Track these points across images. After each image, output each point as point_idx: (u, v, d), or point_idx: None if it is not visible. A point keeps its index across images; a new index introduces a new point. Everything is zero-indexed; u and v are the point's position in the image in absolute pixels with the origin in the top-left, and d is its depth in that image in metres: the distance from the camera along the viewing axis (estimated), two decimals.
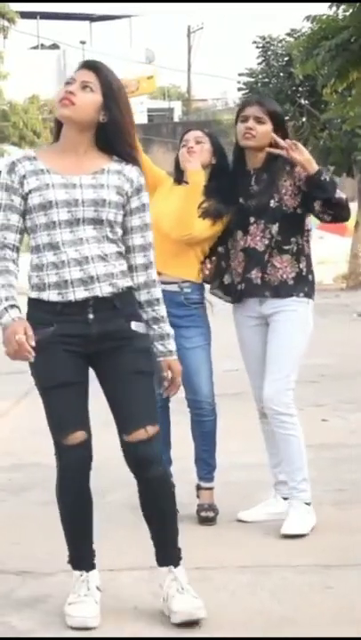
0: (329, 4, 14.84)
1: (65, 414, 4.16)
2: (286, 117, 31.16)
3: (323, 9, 15.70)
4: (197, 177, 5.37)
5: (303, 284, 5.16)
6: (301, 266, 5.15)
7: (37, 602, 4.45)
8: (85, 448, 4.18)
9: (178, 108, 46.28)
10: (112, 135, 4.16)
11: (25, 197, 4.11)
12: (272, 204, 5.06)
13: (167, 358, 4.24)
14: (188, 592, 4.14)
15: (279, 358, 5.10)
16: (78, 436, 4.15)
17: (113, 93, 4.12)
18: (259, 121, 5.06)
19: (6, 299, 4.07)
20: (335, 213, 5.08)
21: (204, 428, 5.49)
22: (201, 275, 5.45)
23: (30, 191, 4.10)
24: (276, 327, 5.16)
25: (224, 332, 5.72)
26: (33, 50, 35.58)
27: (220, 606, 4.28)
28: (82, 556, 4.27)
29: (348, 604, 4.32)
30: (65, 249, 4.07)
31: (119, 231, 4.17)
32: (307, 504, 5.14)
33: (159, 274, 4.39)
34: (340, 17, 15.26)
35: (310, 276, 5.23)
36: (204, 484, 5.54)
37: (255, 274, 5.12)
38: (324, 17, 15.77)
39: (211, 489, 5.55)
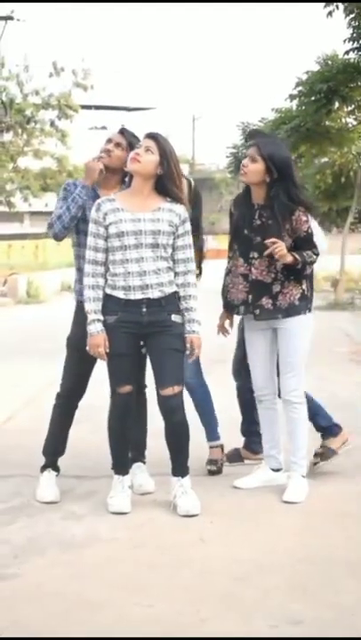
0: (287, 99, 14.80)
1: (120, 373, 4.24)
2: None
3: (281, 103, 15.78)
4: None
5: (306, 302, 4.46)
6: (304, 287, 4.45)
7: (89, 496, 4.52)
8: (130, 395, 4.27)
9: (185, 169, 46.28)
10: (166, 183, 4.17)
11: (107, 227, 4.14)
12: None
13: (190, 335, 4.23)
14: (189, 494, 4.23)
15: (292, 361, 4.45)
16: (127, 388, 4.24)
17: (166, 155, 4.14)
18: (253, 160, 4.34)
19: (95, 312, 4.16)
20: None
21: (194, 400, 4.89)
22: None
23: (110, 224, 4.14)
24: (284, 335, 4.46)
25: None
26: (90, 130, 35.42)
27: (209, 501, 4.31)
28: (120, 465, 4.35)
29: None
30: (131, 264, 4.13)
31: (170, 250, 4.19)
32: (303, 476, 4.48)
33: None
34: (294, 109, 15.29)
35: (310, 293, 4.51)
36: (209, 443, 4.96)
37: (266, 301, 4.41)
38: (283, 108, 15.80)
39: (215, 447, 4.96)
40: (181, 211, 4.21)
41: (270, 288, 4.42)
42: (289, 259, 4.30)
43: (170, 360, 4.19)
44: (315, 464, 4.81)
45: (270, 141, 4.70)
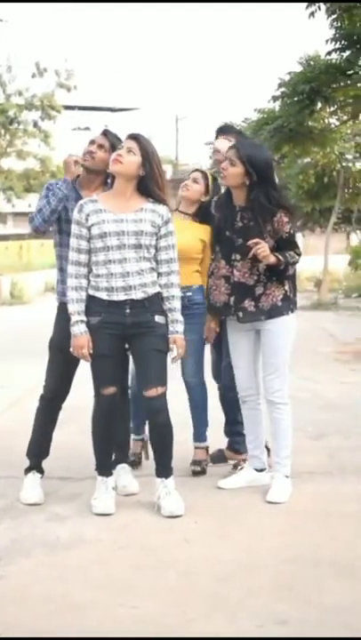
0: (270, 100, 14.81)
1: (103, 375, 4.24)
2: None
3: (264, 103, 15.78)
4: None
5: (289, 303, 4.43)
6: (286, 287, 4.41)
7: (73, 497, 4.51)
8: (114, 397, 4.26)
9: (169, 169, 46.33)
10: (148, 184, 4.17)
11: (89, 229, 4.14)
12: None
13: (173, 336, 4.23)
14: (173, 495, 4.23)
15: (276, 362, 4.43)
16: (110, 390, 4.24)
17: (148, 156, 4.14)
18: (232, 163, 4.31)
19: (78, 313, 4.16)
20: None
21: (191, 398, 4.94)
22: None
23: (92, 225, 4.13)
24: (268, 336, 4.43)
25: None
26: (73, 130, 35.34)
27: (193, 502, 4.31)
28: (104, 466, 4.34)
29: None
30: (114, 265, 4.12)
31: (153, 251, 4.18)
32: (286, 477, 4.47)
33: None
34: (277, 109, 15.31)
35: (293, 294, 4.47)
36: (194, 444, 4.97)
37: (248, 303, 4.38)
38: (266, 109, 15.82)
39: (200, 448, 4.96)
40: (164, 211, 4.21)
41: (253, 290, 4.40)
42: (272, 259, 4.29)
43: (154, 361, 4.19)
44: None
45: (249, 143, 4.67)
